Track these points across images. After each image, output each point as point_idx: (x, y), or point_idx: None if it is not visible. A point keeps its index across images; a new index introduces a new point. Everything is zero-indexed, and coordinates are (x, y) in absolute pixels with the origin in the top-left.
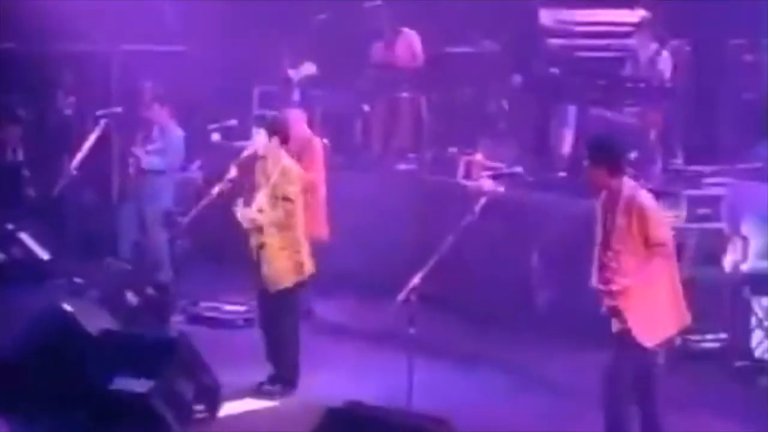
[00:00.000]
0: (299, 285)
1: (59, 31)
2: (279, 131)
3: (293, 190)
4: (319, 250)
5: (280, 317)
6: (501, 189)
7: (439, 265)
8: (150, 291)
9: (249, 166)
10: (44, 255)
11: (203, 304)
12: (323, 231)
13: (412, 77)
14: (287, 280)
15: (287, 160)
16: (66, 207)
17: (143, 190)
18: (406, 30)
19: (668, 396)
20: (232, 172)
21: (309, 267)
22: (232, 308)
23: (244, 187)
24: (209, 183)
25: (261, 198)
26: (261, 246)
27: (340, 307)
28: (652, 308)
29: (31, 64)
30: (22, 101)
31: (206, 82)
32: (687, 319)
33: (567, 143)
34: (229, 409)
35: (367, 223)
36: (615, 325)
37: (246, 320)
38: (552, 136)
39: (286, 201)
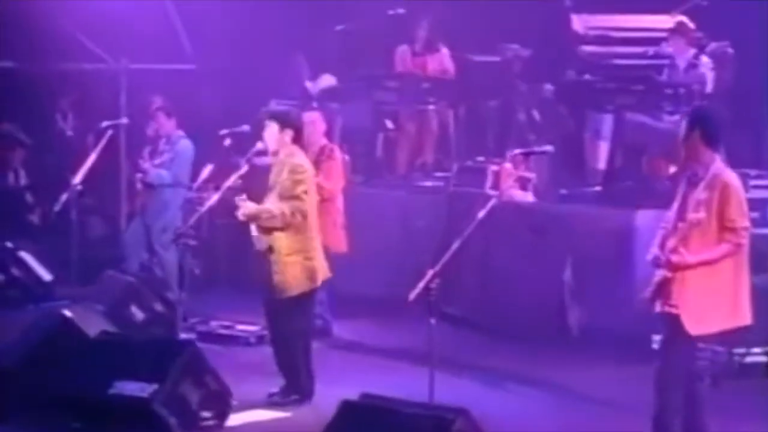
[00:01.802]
0: (312, 292)
1: (63, 50)
2: (291, 124)
3: (302, 189)
4: (340, 270)
5: (290, 325)
6: (530, 198)
7: (467, 279)
8: (158, 307)
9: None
10: (46, 276)
11: (214, 323)
12: (341, 243)
13: (438, 88)
14: (297, 288)
15: (299, 158)
16: (69, 226)
17: (150, 205)
18: (442, 48)
19: (712, 412)
20: (244, 168)
21: (323, 274)
22: (244, 327)
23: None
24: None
25: (271, 199)
26: (269, 250)
27: (360, 327)
28: (706, 296)
29: (34, 85)
30: (25, 124)
31: (218, 98)
32: (745, 319)
33: (602, 157)
34: (239, 419)
35: (391, 243)
36: (658, 306)
37: (259, 338)
38: (586, 148)
39: (294, 200)
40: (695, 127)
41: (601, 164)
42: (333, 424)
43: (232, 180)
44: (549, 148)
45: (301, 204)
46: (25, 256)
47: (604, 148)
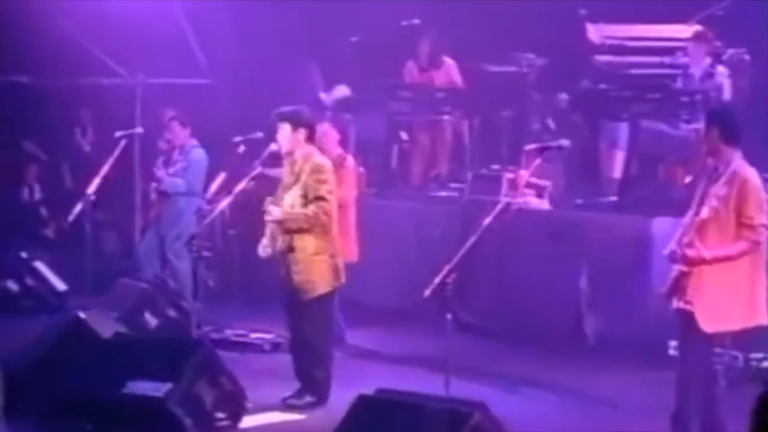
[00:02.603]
0: (334, 291)
1: (79, 65)
2: (303, 123)
3: (327, 188)
4: (355, 280)
5: (314, 325)
6: (546, 206)
7: (483, 286)
8: (171, 313)
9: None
10: (60, 285)
11: (229, 331)
12: (353, 252)
13: (452, 98)
14: (323, 287)
15: (319, 158)
16: (84, 239)
17: (165, 214)
18: (447, 60)
19: (728, 416)
20: (257, 170)
21: (344, 273)
22: (259, 335)
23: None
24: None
25: (292, 198)
26: (290, 250)
27: (376, 336)
28: (722, 293)
29: (50, 100)
30: (41, 139)
31: (232, 110)
32: (761, 319)
33: (618, 166)
34: (253, 421)
35: (406, 253)
36: (674, 302)
37: (273, 345)
38: (602, 157)
39: (320, 200)
40: (713, 124)
41: (617, 173)
42: (349, 417)
43: (244, 183)
44: (565, 142)
45: (326, 204)
46: (40, 266)
47: (619, 157)
